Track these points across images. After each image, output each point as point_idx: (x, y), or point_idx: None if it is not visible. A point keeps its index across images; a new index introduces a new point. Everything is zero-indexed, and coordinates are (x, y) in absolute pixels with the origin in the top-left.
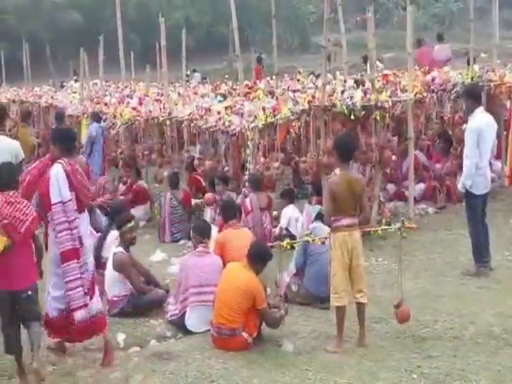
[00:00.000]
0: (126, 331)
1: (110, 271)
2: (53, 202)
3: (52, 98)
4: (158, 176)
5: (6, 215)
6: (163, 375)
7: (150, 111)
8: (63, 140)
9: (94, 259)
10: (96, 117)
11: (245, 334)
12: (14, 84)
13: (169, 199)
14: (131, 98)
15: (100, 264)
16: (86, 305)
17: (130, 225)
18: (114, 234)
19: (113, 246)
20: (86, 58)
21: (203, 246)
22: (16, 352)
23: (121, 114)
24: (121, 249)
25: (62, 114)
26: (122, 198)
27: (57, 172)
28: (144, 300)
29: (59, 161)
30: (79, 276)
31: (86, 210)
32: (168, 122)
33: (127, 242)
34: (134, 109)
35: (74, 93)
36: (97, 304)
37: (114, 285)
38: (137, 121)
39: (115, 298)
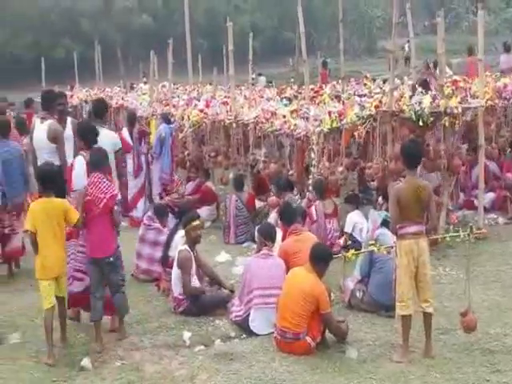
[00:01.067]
0: (191, 330)
1: (175, 270)
2: (74, 189)
3: (122, 99)
4: (224, 178)
5: (89, 193)
6: (227, 375)
7: (217, 114)
8: (85, 134)
9: (161, 257)
10: (165, 118)
11: (308, 339)
12: (86, 85)
13: (234, 201)
14: (199, 100)
15: (167, 263)
16: None
17: (195, 223)
18: (181, 233)
19: (180, 245)
20: (155, 60)
21: (267, 249)
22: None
23: (188, 116)
24: (186, 246)
25: (134, 116)
26: (189, 197)
27: (79, 163)
28: (209, 300)
29: (81, 152)
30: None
31: None
32: (234, 125)
33: (192, 241)
34: (202, 111)
35: (144, 94)
36: None
37: (180, 283)
38: (204, 123)
39: (180, 297)
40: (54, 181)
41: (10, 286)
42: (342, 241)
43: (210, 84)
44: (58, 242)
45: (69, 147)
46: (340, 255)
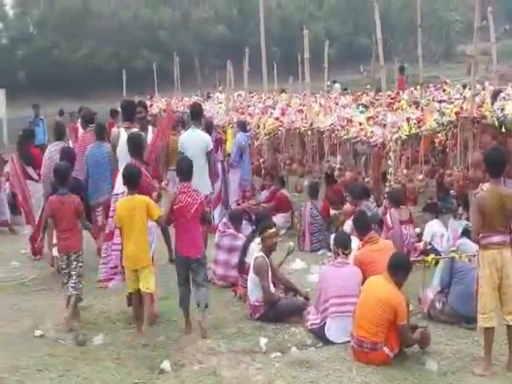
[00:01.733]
0: (267, 336)
1: (251, 276)
2: (114, 193)
3: None
4: (298, 185)
5: (181, 200)
6: (304, 383)
7: (292, 121)
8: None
9: (238, 264)
10: (242, 126)
11: (386, 349)
12: (165, 94)
13: (309, 209)
14: (274, 108)
15: (243, 269)
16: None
17: (271, 231)
18: (257, 240)
19: (256, 252)
20: (231, 69)
21: (342, 257)
22: (185, 306)
23: (264, 125)
24: (262, 253)
25: (211, 124)
26: (264, 205)
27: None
28: (285, 307)
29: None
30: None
31: None
32: (309, 133)
33: (268, 248)
34: (277, 119)
35: (220, 103)
36: None
37: (256, 290)
38: (279, 131)
39: (257, 303)
40: (137, 180)
41: (93, 290)
42: (421, 244)
43: (283, 92)
44: (141, 236)
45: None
46: (420, 258)
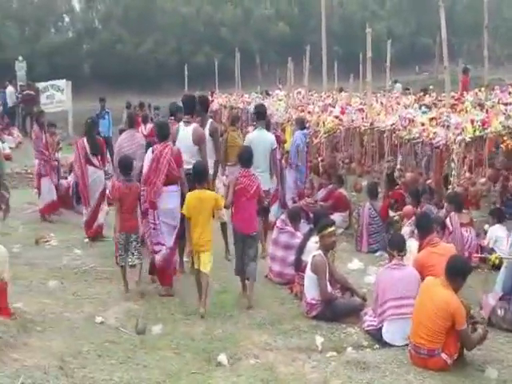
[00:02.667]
0: (323, 335)
1: (308, 274)
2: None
3: None
4: (357, 185)
5: (242, 182)
6: None
7: (352, 120)
8: (158, 133)
9: (295, 261)
10: (300, 123)
11: (444, 356)
12: (225, 90)
13: (367, 209)
14: (334, 107)
15: (300, 267)
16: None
17: (330, 229)
18: (314, 238)
19: (313, 250)
20: (292, 67)
21: (398, 259)
22: (241, 276)
23: (323, 123)
24: (320, 252)
25: (269, 122)
26: (322, 204)
27: (148, 156)
28: (342, 307)
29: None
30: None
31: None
32: (369, 132)
33: (326, 247)
34: (337, 117)
35: (280, 100)
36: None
37: (313, 288)
38: (338, 129)
39: (313, 301)
40: (205, 176)
41: (153, 282)
42: (485, 241)
43: (341, 91)
44: (207, 224)
45: (208, 148)
46: (483, 255)
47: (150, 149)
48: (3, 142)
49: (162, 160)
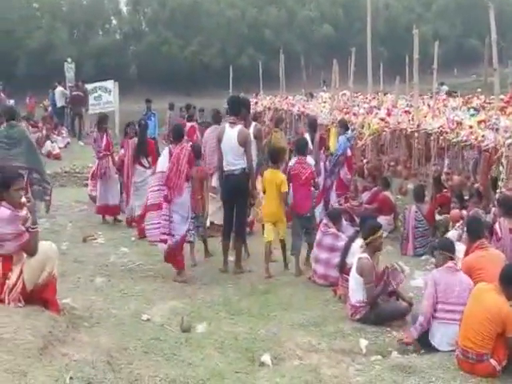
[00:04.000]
0: (367, 338)
1: (353, 277)
2: (157, 171)
3: (303, 106)
4: (403, 188)
5: (297, 168)
6: None
7: (398, 122)
8: (174, 134)
9: (339, 264)
10: (344, 125)
11: (493, 361)
12: (269, 92)
13: (413, 212)
14: (379, 109)
15: (344, 269)
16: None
17: (378, 233)
18: (360, 241)
19: (357, 253)
20: (337, 68)
21: (453, 263)
22: (296, 255)
23: (369, 125)
24: (366, 255)
25: (315, 122)
26: (366, 206)
27: (164, 153)
28: (387, 310)
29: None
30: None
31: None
32: (416, 134)
33: (374, 250)
34: (383, 120)
35: (324, 102)
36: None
37: (357, 290)
38: (384, 132)
39: (358, 304)
40: (280, 157)
41: (197, 281)
42: None
43: (386, 94)
44: (276, 199)
45: (252, 149)
46: None
47: (167, 148)
48: (52, 142)
49: (181, 162)
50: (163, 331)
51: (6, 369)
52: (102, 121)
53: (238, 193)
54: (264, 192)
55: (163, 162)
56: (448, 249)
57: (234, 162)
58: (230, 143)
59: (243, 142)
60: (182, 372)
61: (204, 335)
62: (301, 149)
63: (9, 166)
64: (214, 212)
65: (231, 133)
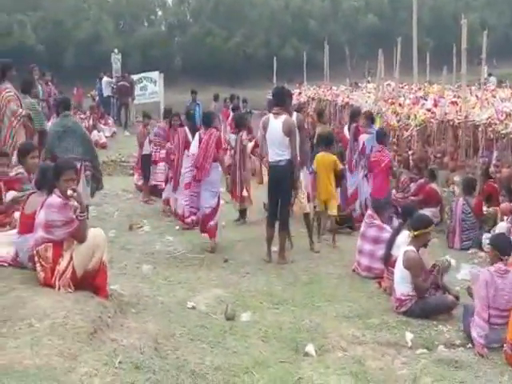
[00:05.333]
0: (413, 331)
1: (399, 269)
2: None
3: (348, 97)
4: (449, 180)
5: (376, 156)
6: (452, 383)
7: (445, 113)
8: (204, 121)
9: (384, 256)
10: (369, 117)
11: None
12: (313, 83)
13: (461, 205)
14: (425, 99)
15: (389, 261)
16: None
17: (430, 228)
18: (405, 233)
19: (403, 245)
20: (382, 58)
21: (503, 264)
22: None
23: (415, 115)
24: (412, 247)
25: (358, 113)
26: (412, 198)
27: (195, 139)
28: (434, 304)
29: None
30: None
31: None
32: (463, 126)
33: (421, 243)
34: (429, 110)
35: (369, 93)
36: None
37: (403, 283)
38: (430, 123)
39: (403, 297)
40: (332, 142)
41: (241, 270)
42: None
43: (430, 84)
44: (328, 179)
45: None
46: None
47: (197, 134)
48: (99, 132)
49: (209, 147)
50: (208, 319)
51: (57, 352)
52: (175, 118)
53: (282, 184)
54: (316, 173)
55: (194, 146)
56: (499, 248)
57: (280, 152)
58: (275, 133)
59: (288, 132)
60: (227, 360)
61: (248, 324)
62: (382, 137)
63: (63, 157)
64: None
65: (276, 123)
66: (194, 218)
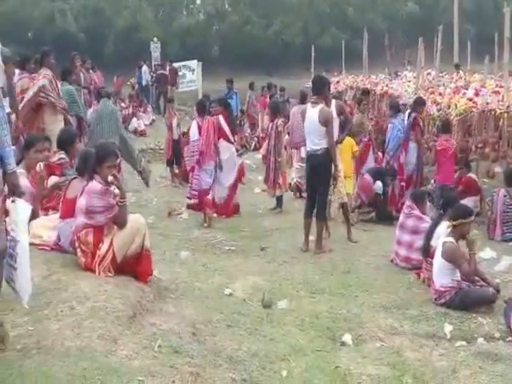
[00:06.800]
0: (452, 323)
1: (438, 260)
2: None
3: (387, 86)
4: (490, 171)
5: (442, 145)
6: (491, 375)
7: (487, 103)
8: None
9: (422, 247)
10: (394, 106)
11: None
12: (352, 72)
13: (502, 196)
14: (466, 88)
15: (428, 252)
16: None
17: (471, 218)
18: (445, 224)
19: (442, 236)
20: (423, 47)
21: None
22: None
23: (455, 105)
24: (451, 239)
25: (397, 104)
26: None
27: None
28: (474, 296)
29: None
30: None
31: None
32: (505, 115)
33: (461, 234)
34: (470, 100)
35: (409, 82)
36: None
37: (442, 275)
38: (472, 112)
39: (442, 289)
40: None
41: (278, 258)
42: None
43: (458, 67)
44: (348, 161)
45: (334, 127)
46: None
47: (194, 121)
48: (138, 119)
49: (208, 134)
50: (245, 306)
51: (98, 335)
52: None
53: (320, 172)
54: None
55: (194, 132)
56: None
57: (317, 141)
58: (311, 123)
59: (324, 121)
60: (264, 347)
61: (285, 312)
62: (445, 127)
63: (106, 143)
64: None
65: (312, 112)
66: (195, 200)
